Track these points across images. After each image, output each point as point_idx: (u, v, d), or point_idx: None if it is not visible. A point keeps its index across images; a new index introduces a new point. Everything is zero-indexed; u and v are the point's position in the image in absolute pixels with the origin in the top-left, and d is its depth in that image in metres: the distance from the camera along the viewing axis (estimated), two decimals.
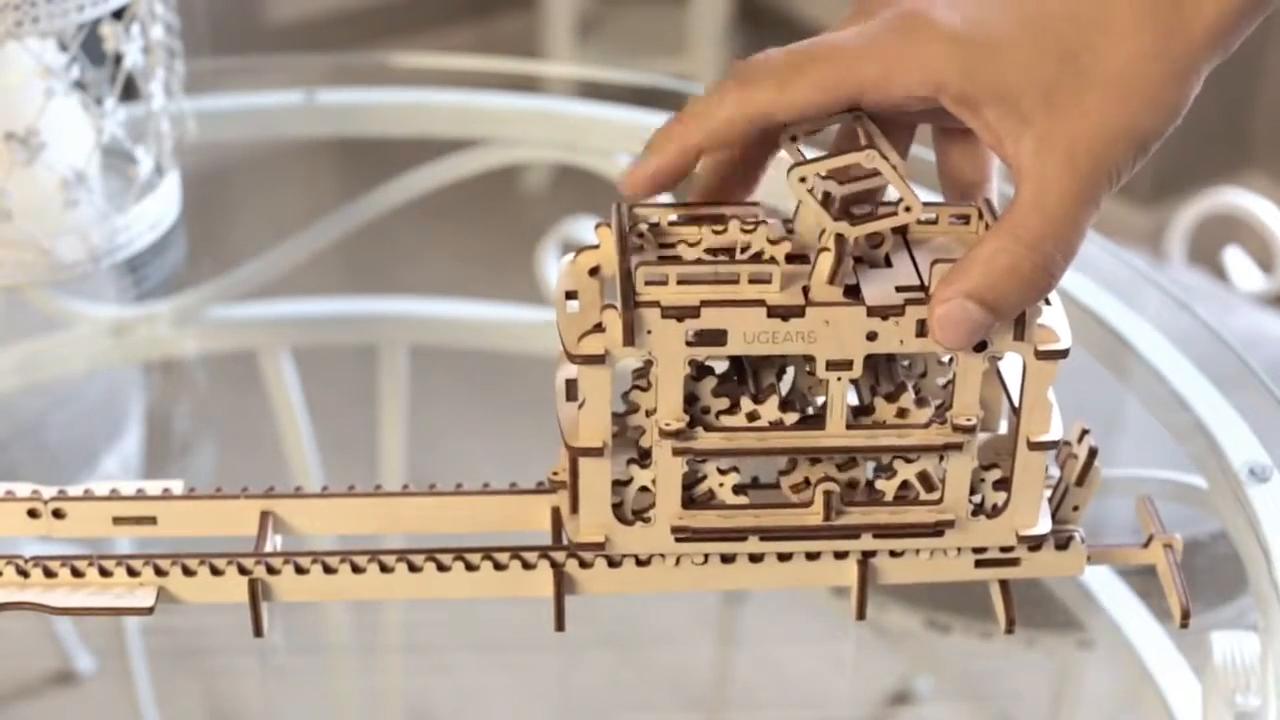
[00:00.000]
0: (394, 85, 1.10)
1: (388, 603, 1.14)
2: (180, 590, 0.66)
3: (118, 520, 0.69)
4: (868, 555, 0.66)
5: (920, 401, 0.63)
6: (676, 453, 0.62)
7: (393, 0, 2.46)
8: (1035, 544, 0.65)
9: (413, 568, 0.65)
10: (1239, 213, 1.37)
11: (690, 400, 0.62)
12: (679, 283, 0.60)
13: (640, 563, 0.65)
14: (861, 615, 0.67)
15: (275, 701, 1.47)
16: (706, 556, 0.65)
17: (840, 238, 0.59)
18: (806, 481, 0.64)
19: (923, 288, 0.60)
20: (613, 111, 1.07)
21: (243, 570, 0.65)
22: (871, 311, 0.60)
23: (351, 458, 1.22)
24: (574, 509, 0.64)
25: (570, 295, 0.63)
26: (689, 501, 0.64)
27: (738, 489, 0.64)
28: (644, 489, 0.64)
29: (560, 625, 0.66)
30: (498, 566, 0.65)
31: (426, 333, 1.17)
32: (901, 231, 0.63)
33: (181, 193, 0.93)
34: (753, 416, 0.62)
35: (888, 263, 0.62)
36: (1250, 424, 0.81)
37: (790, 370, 0.65)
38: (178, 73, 0.92)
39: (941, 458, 0.63)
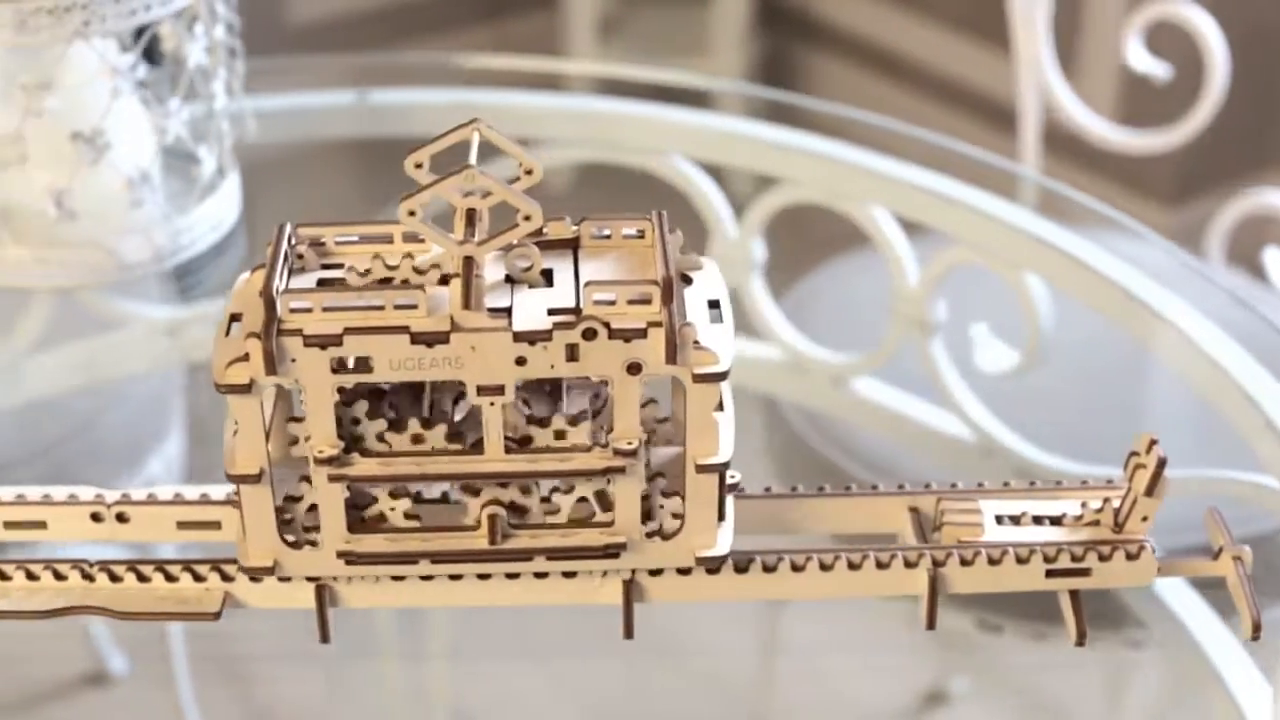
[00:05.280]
0: (443, 85, 1.10)
1: (431, 609, 1.14)
2: (246, 595, 0.66)
3: (181, 525, 0.69)
4: (938, 564, 0.66)
5: (575, 421, 0.62)
6: (333, 479, 0.61)
7: (413, 0, 2.46)
8: (1105, 554, 0.65)
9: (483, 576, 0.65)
10: (1275, 213, 1.36)
11: (348, 425, 0.61)
12: (324, 310, 0.59)
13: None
14: (931, 625, 0.67)
15: (312, 706, 1.47)
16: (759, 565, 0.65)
17: (469, 260, 0.59)
18: (479, 505, 0.63)
19: (575, 310, 0.60)
20: (662, 111, 1.07)
21: (310, 577, 0.65)
22: (518, 337, 0.59)
23: None
24: (244, 533, 0.63)
25: (235, 318, 0.61)
26: (360, 523, 0.63)
27: (411, 512, 0.63)
28: (314, 509, 0.63)
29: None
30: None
31: None
32: (573, 246, 0.63)
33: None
34: (410, 442, 0.62)
35: (550, 281, 0.62)
36: None
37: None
38: (238, 72, 0.91)
39: (609, 481, 0.62)
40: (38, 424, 1.08)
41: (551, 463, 0.61)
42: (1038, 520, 0.68)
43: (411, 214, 0.59)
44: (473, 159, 0.60)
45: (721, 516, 0.63)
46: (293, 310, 0.59)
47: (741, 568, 0.65)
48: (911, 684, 1.41)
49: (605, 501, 0.63)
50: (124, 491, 0.69)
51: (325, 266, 0.63)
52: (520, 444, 0.62)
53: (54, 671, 1.58)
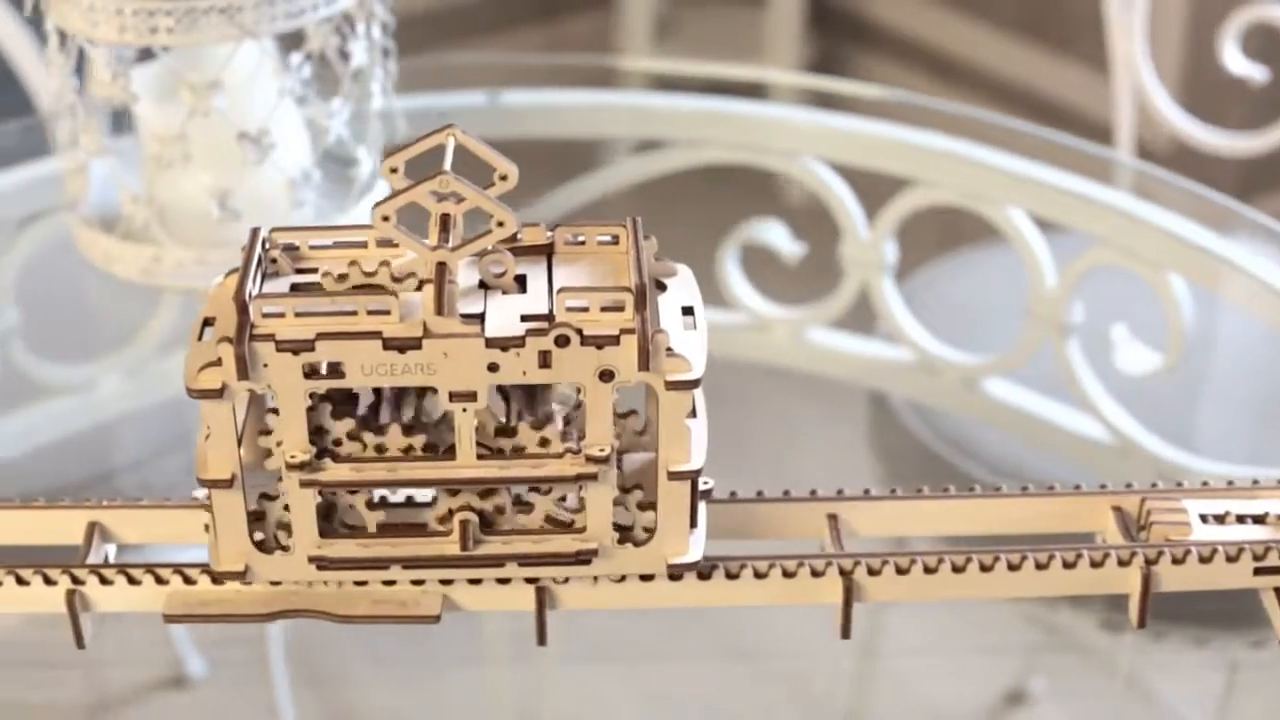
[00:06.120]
0: (572, 86, 1.10)
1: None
2: (463, 598, 0.65)
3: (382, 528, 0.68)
4: (1150, 563, 0.66)
5: (548, 427, 0.61)
6: (304, 484, 0.61)
7: (466, 1, 2.45)
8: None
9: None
10: None
11: (320, 430, 0.61)
12: (297, 315, 0.59)
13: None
14: (1142, 623, 0.67)
15: (391, 711, 1.46)
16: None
17: (441, 265, 0.59)
18: (450, 511, 0.63)
19: (548, 317, 0.59)
20: (795, 113, 1.07)
21: (530, 579, 0.65)
22: (490, 343, 0.59)
23: None
24: (216, 537, 0.63)
25: (208, 322, 0.61)
26: (332, 529, 0.63)
27: (382, 518, 0.63)
28: (286, 511, 0.63)
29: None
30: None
31: None
32: (547, 252, 0.63)
33: None
34: (381, 448, 0.61)
35: (524, 287, 0.61)
36: None
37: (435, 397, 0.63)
38: (391, 72, 0.91)
39: (581, 487, 0.62)
40: (172, 420, 1.09)
41: (524, 469, 0.61)
42: (1240, 519, 0.69)
43: (385, 219, 0.59)
44: (447, 164, 0.60)
45: (694, 524, 0.63)
46: (265, 315, 0.59)
47: (959, 567, 0.66)
48: (1024, 681, 1.42)
49: (577, 508, 0.63)
50: None
51: (299, 271, 0.62)
52: (493, 450, 0.61)
53: (133, 674, 1.57)
